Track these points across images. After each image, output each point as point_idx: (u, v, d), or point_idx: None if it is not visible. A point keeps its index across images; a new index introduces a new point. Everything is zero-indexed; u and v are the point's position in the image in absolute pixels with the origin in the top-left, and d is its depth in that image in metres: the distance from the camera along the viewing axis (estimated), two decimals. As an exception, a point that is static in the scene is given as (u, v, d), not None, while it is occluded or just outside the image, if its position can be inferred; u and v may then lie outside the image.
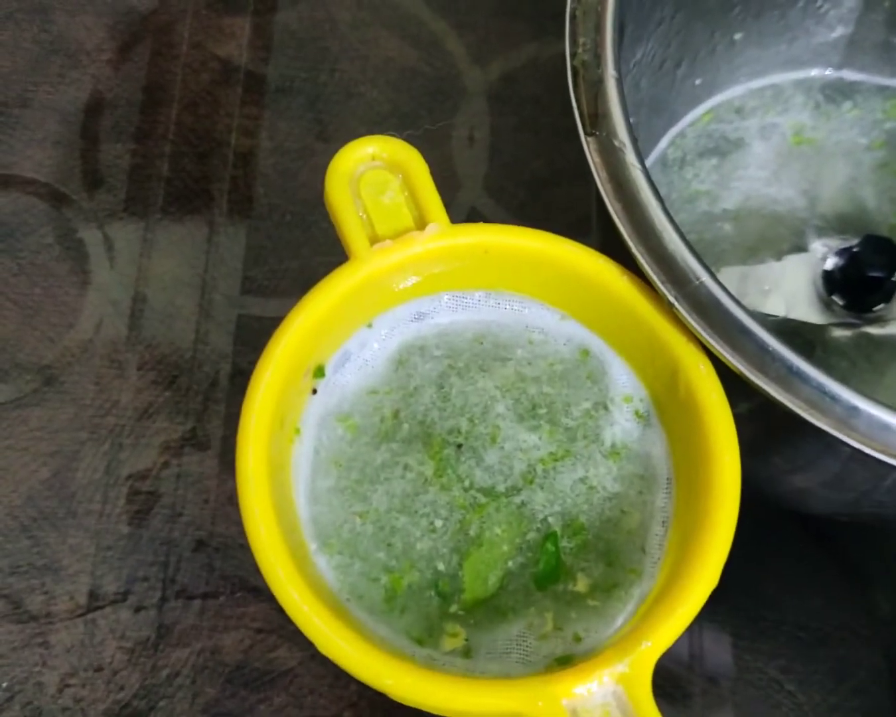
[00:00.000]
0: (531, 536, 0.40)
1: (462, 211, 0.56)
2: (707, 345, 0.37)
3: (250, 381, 0.39)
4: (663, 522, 0.40)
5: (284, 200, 0.56)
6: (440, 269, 0.42)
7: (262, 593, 0.49)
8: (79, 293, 0.54)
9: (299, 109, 0.58)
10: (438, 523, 0.40)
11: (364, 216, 0.42)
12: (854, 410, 0.35)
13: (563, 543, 0.40)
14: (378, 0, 0.61)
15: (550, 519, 0.41)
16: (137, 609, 0.49)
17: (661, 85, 0.49)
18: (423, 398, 0.42)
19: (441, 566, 0.40)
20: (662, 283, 0.37)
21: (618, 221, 0.38)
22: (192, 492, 0.51)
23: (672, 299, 0.37)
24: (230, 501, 0.51)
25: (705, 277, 0.37)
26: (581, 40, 0.40)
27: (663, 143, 0.52)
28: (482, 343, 0.43)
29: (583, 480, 0.41)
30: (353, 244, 0.41)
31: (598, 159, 0.39)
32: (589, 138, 0.39)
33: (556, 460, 0.41)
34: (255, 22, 0.60)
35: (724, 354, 0.36)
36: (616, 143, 0.39)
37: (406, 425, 0.42)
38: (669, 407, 0.41)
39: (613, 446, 0.42)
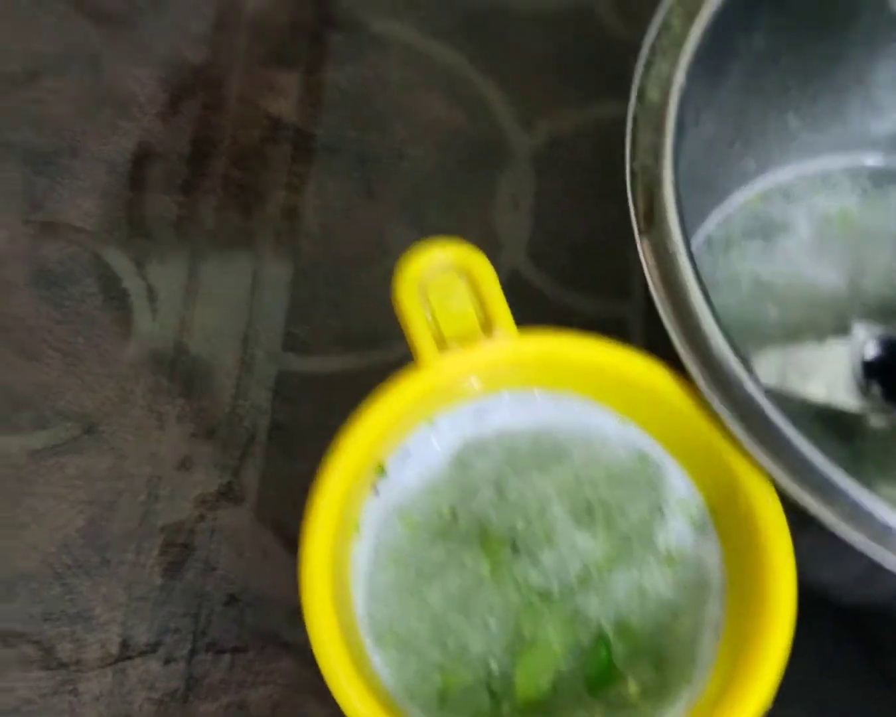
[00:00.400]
0: (584, 639, 0.40)
1: (503, 274, 0.56)
2: (745, 446, 0.37)
3: (316, 481, 0.40)
4: (714, 630, 0.40)
5: (328, 258, 0.57)
6: (505, 373, 0.42)
7: (291, 649, 0.49)
8: (121, 343, 0.54)
9: (347, 168, 0.59)
10: (493, 622, 0.40)
11: (431, 320, 0.42)
12: (888, 529, 0.35)
13: (616, 648, 0.40)
14: (427, 60, 0.61)
15: (604, 623, 0.41)
16: (167, 661, 0.49)
17: (712, 163, 0.49)
18: (480, 496, 0.42)
19: (494, 666, 0.40)
20: (706, 384, 0.37)
21: (667, 323, 0.39)
22: (226, 546, 0.51)
23: (714, 400, 0.37)
24: (264, 556, 0.51)
25: (749, 385, 0.37)
26: (641, 143, 0.41)
27: (711, 222, 0.52)
28: (540, 443, 0.43)
29: (637, 585, 0.41)
30: (420, 350, 0.42)
31: (650, 260, 0.39)
32: (643, 238, 0.40)
33: (611, 563, 0.41)
34: (305, 79, 0.61)
35: (764, 460, 0.36)
36: (670, 246, 0.39)
37: (463, 523, 0.42)
38: (726, 517, 0.41)
39: (668, 552, 0.42)
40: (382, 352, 0.54)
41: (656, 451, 0.43)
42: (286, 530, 0.51)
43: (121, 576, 0.50)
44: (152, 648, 0.49)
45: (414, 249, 0.43)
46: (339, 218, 0.57)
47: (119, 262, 0.56)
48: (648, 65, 0.42)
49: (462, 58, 0.61)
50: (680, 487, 0.43)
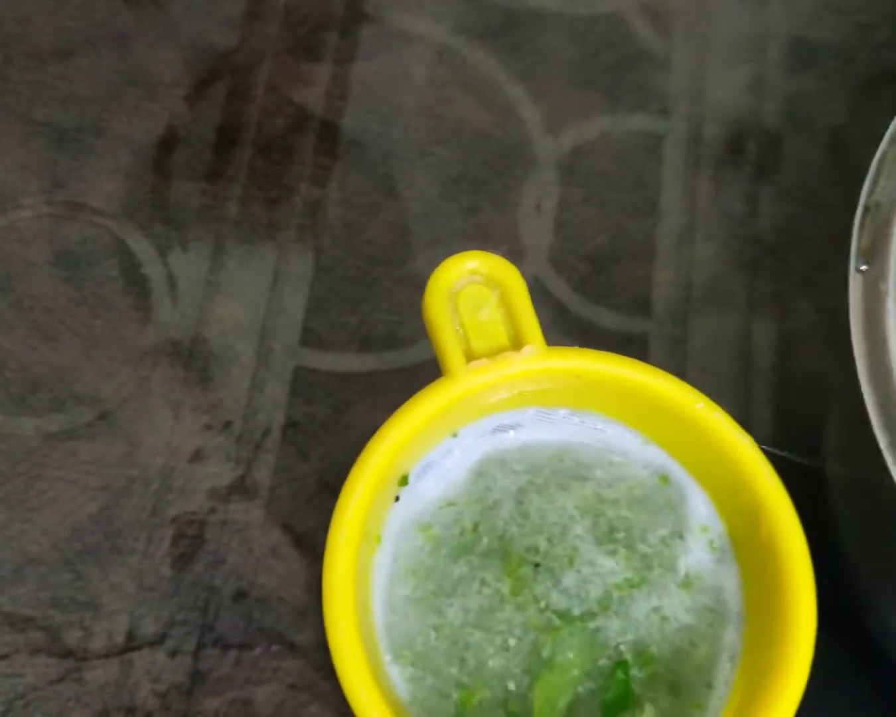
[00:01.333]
0: (602, 662, 0.41)
1: (525, 280, 0.56)
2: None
3: (342, 492, 0.40)
4: (731, 657, 0.40)
5: (349, 254, 0.57)
6: (531, 388, 0.42)
7: (297, 649, 0.49)
8: (139, 329, 0.54)
9: (370, 164, 0.58)
10: (512, 642, 0.41)
11: (460, 331, 0.42)
12: None
13: (634, 672, 0.40)
14: (456, 59, 0.61)
15: (623, 647, 0.41)
16: (173, 654, 0.49)
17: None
18: (502, 513, 0.42)
19: (512, 686, 0.40)
20: (879, 428, 0.38)
21: (858, 359, 0.39)
22: (237, 541, 0.51)
23: (883, 446, 0.37)
24: (273, 553, 0.51)
25: None
26: (882, 182, 0.41)
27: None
28: (563, 461, 0.43)
29: (656, 609, 0.41)
30: (449, 362, 0.42)
31: (857, 297, 0.39)
32: (857, 274, 0.40)
33: (631, 587, 0.41)
34: (333, 71, 0.60)
35: None
36: (882, 286, 0.39)
37: (485, 539, 0.42)
38: (747, 544, 0.41)
39: (687, 576, 0.42)
40: (399, 354, 0.54)
41: (679, 473, 0.43)
42: (296, 529, 0.51)
43: (131, 566, 0.50)
44: (159, 639, 0.49)
45: (445, 260, 0.43)
46: (362, 215, 0.57)
47: (141, 247, 0.56)
48: None
49: (491, 60, 0.61)
50: (701, 510, 0.43)
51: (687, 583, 0.42)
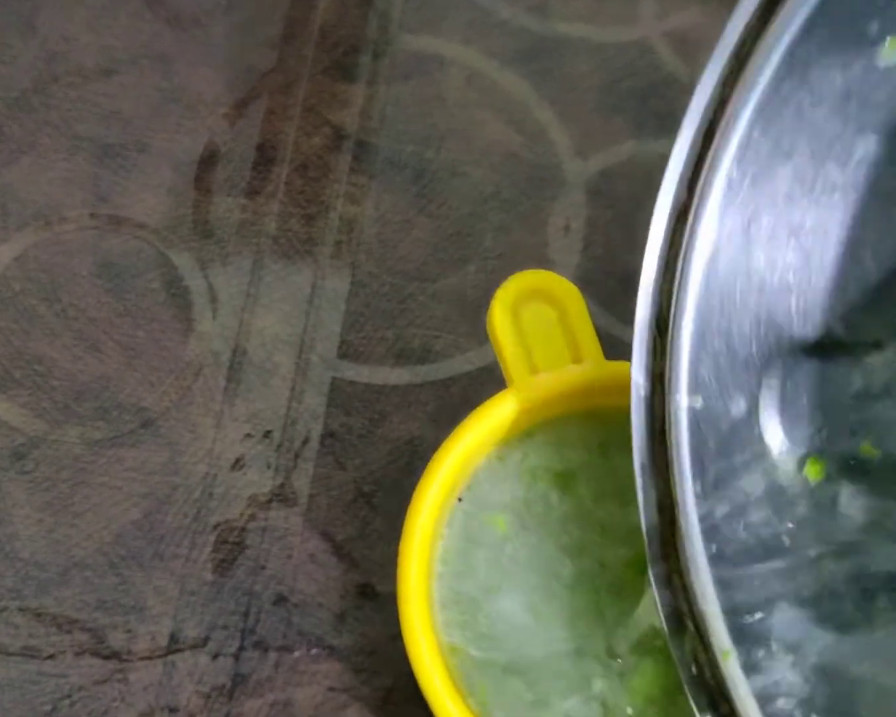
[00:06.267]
0: None
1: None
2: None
3: (411, 503, 0.41)
4: None
5: (384, 270, 0.58)
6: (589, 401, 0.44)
7: (336, 652, 0.51)
8: (181, 340, 0.56)
9: (405, 183, 0.60)
10: None
11: (523, 346, 0.44)
12: None
13: None
14: (487, 82, 0.63)
15: None
16: (215, 656, 0.50)
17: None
18: None
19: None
20: None
21: None
22: (277, 547, 0.52)
23: None
24: (311, 559, 0.52)
25: None
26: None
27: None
28: None
29: None
30: (514, 372, 0.43)
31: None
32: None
33: None
34: (368, 92, 0.62)
35: None
36: None
37: None
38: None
39: None
40: (433, 367, 0.56)
41: None
42: (333, 536, 0.52)
43: (173, 570, 0.51)
44: (202, 642, 0.50)
45: (510, 276, 0.45)
46: (396, 232, 0.59)
47: (182, 260, 0.57)
48: None
49: (522, 83, 0.62)
50: None
51: None
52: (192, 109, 0.61)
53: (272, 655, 0.51)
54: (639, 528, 0.41)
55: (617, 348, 0.56)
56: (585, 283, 0.58)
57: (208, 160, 0.60)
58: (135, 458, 0.53)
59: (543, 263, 0.58)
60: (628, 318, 0.57)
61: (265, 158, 0.60)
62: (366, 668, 0.50)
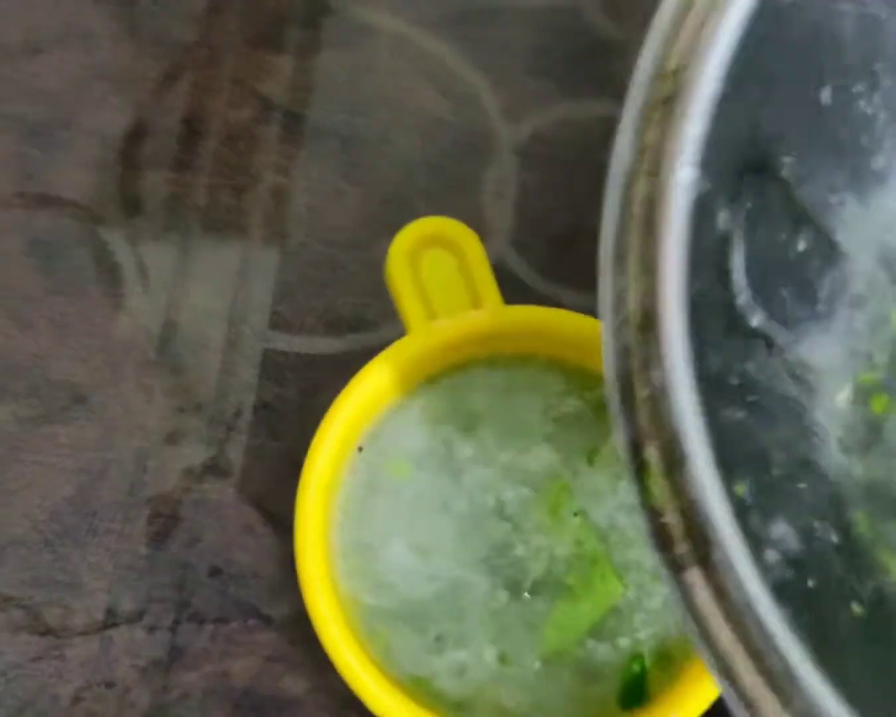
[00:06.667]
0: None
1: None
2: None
3: (308, 454, 0.41)
4: None
5: (314, 240, 0.58)
6: (491, 345, 0.44)
7: (272, 621, 0.51)
8: (111, 316, 0.56)
9: (334, 152, 0.60)
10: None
11: (422, 294, 0.44)
12: None
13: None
14: (417, 50, 0.62)
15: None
16: (151, 629, 0.50)
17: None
18: None
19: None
20: None
21: None
22: (212, 519, 0.52)
23: None
24: (246, 530, 0.52)
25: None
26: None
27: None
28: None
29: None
30: (412, 320, 0.43)
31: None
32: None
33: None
34: (296, 62, 0.62)
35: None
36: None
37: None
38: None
39: None
40: (366, 336, 0.56)
41: None
42: (268, 506, 0.52)
43: (108, 545, 0.51)
44: (138, 616, 0.50)
45: (407, 225, 0.45)
46: (327, 201, 0.58)
47: (111, 236, 0.57)
48: None
49: (451, 50, 0.62)
50: None
51: None
52: (117, 85, 0.60)
53: (208, 627, 0.51)
54: (538, 471, 0.42)
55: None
56: (519, 246, 0.58)
57: (135, 136, 0.59)
58: (67, 434, 0.53)
59: (476, 227, 0.58)
60: (563, 280, 0.57)
61: (192, 131, 0.60)
62: (302, 637, 0.50)
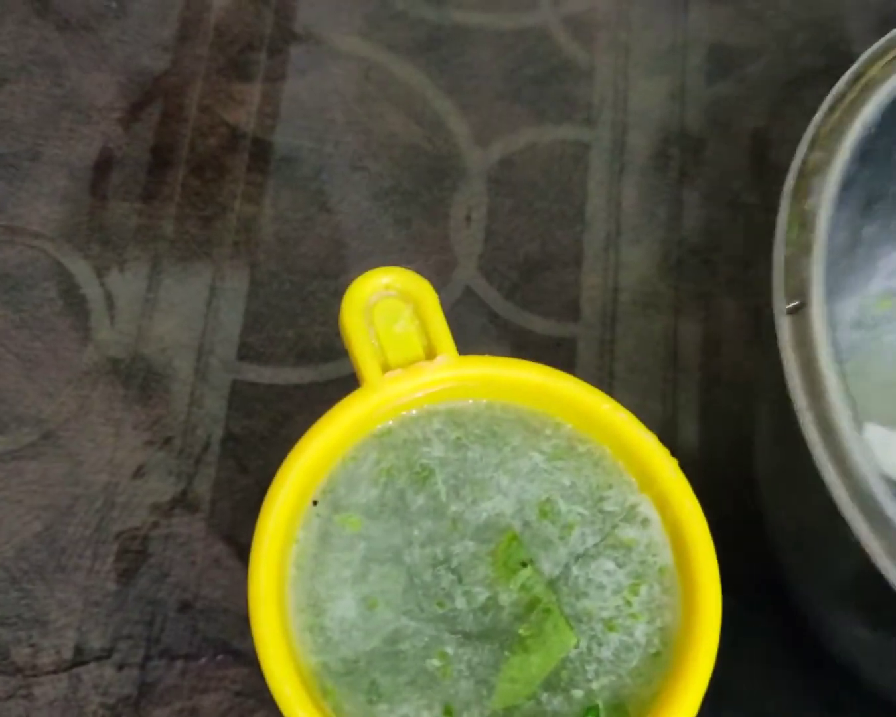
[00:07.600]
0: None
1: (457, 289, 0.57)
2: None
3: (264, 504, 0.41)
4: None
5: (284, 269, 0.58)
6: (446, 397, 0.44)
7: (242, 657, 0.51)
8: (79, 349, 0.55)
9: (303, 179, 0.60)
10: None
11: (376, 343, 0.43)
12: None
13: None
14: (385, 75, 0.62)
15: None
16: (121, 667, 0.50)
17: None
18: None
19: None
20: (832, 472, 0.38)
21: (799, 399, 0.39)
22: (180, 554, 0.52)
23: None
24: (216, 564, 0.52)
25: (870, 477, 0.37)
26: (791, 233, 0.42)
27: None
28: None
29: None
30: (365, 372, 0.43)
31: (792, 343, 0.40)
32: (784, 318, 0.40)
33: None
34: (264, 89, 0.62)
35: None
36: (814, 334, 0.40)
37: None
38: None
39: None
40: (336, 365, 0.56)
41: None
42: (237, 540, 0.52)
43: (76, 582, 0.51)
44: (107, 653, 0.50)
45: (360, 275, 0.45)
46: (296, 229, 0.58)
47: (78, 268, 0.57)
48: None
49: (420, 74, 0.62)
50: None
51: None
52: (85, 115, 0.60)
53: (178, 663, 0.50)
54: (488, 523, 0.42)
55: (519, 336, 0.56)
56: (488, 272, 0.58)
57: (103, 166, 0.59)
58: (35, 470, 0.53)
59: (446, 254, 0.58)
60: (530, 307, 0.57)
61: (161, 161, 0.59)
62: (272, 671, 0.50)
